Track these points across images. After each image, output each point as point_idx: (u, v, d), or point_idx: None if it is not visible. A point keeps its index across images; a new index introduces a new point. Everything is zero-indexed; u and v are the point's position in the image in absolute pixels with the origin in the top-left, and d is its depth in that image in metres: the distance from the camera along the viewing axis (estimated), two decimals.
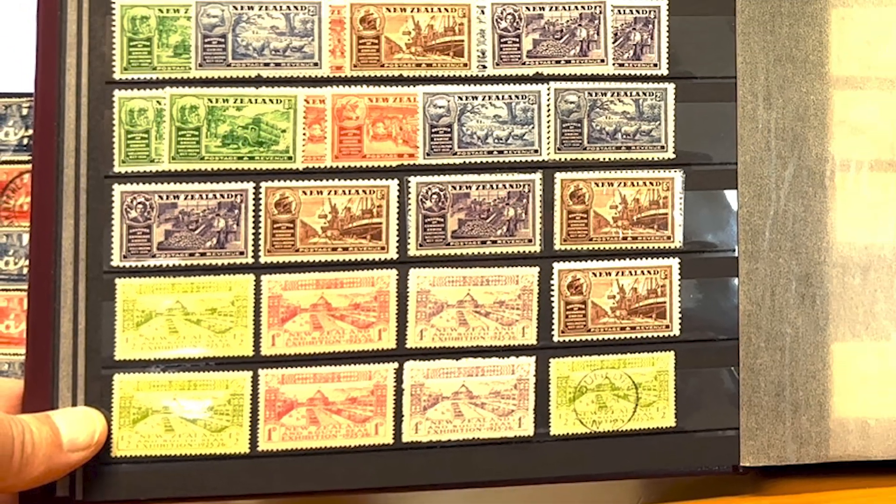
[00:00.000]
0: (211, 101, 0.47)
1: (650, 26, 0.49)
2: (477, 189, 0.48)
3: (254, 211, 0.47)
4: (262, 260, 0.47)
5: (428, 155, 0.48)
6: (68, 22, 0.45)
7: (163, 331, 0.46)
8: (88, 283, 0.45)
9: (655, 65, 0.49)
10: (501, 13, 0.48)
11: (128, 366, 0.45)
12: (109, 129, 0.46)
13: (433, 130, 0.48)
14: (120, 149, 0.46)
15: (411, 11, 0.48)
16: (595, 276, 0.49)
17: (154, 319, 0.46)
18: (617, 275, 0.49)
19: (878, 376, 0.49)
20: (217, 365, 0.46)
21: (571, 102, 0.48)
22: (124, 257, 0.46)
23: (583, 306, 0.48)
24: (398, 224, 0.47)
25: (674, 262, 0.49)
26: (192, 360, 0.46)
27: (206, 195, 0.46)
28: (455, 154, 0.48)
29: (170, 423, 0.46)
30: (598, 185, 0.49)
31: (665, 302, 0.49)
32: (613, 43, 0.49)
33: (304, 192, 0.47)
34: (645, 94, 0.49)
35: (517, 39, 0.48)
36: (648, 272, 0.49)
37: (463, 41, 0.48)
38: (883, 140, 0.50)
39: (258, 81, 0.46)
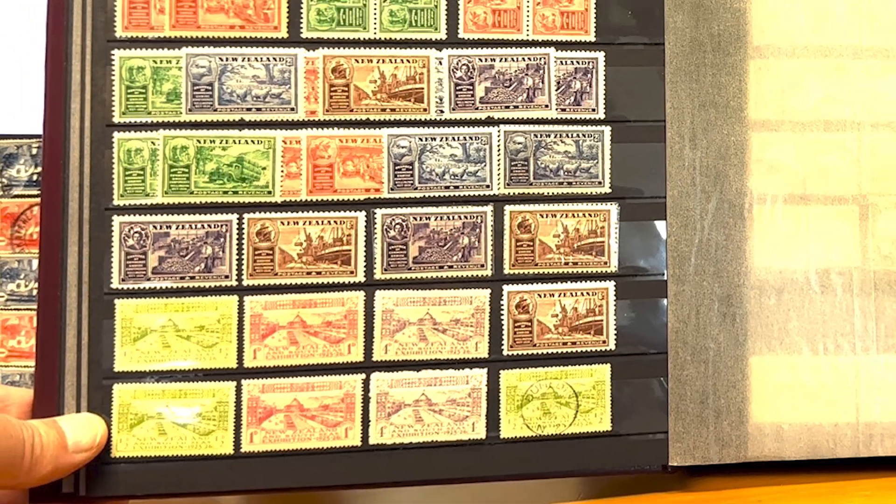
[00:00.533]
0: (199, 142, 0.49)
1: (589, 76, 0.52)
2: (435, 220, 0.51)
3: (237, 239, 0.49)
4: (245, 283, 0.49)
5: (392, 190, 0.50)
6: (73, 72, 0.48)
7: (157, 346, 0.48)
8: (91, 303, 0.48)
9: (593, 110, 0.52)
10: (457, 64, 0.51)
11: (126, 377, 0.48)
12: (109, 166, 0.48)
13: (396, 168, 0.51)
14: (119, 184, 0.48)
15: (377, 62, 0.50)
16: (540, 297, 0.51)
17: (149, 335, 0.48)
18: (559, 296, 0.51)
19: (790, 386, 0.52)
20: (205, 376, 0.49)
21: (519, 143, 0.51)
22: (122, 280, 0.48)
23: (529, 324, 0.51)
24: (365, 251, 0.50)
25: (610, 285, 0.52)
26: (183, 372, 0.48)
27: (195, 225, 0.49)
28: (416, 189, 0.51)
29: (163, 427, 0.48)
30: (542, 217, 0.51)
31: (602, 320, 0.52)
32: (556, 90, 0.52)
33: (282, 223, 0.49)
34: (584, 135, 0.52)
35: (471, 87, 0.51)
36: (587, 293, 0.52)
37: (423, 89, 0.51)
38: (795, 177, 0.53)
39: (241, 124, 0.49)
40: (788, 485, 0.52)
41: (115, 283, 0.48)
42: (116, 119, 0.48)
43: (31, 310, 0.57)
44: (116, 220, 0.48)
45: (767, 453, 0.52)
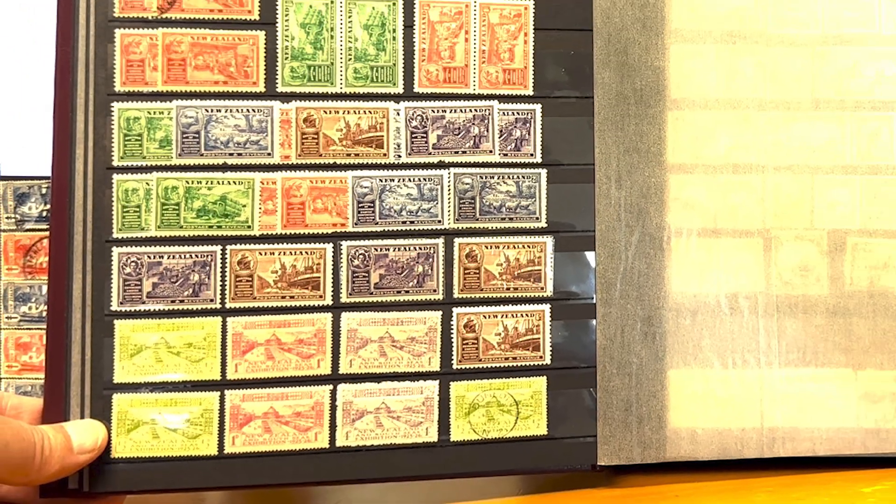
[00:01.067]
0: (188, 183, 0.51)
1: (528, 125, 0.55)
2: (394, 251, 0.53)
3: (221, 268, 0.52)
4: (228, 305, 0.52)
5: (356, 224, 0.53)
6: (77, 121, 0.50)
7: (150, 360, 0.51)
8: (93, 323, 0.50)
9: (532, 154, 0.55)
10: (412, 115, 0.54)
11: (123, 388, 0.50)
12: (109, 204, 0.51)
13: (360, 205, 0.53)
14: (117, 219, 0.51)
15: (343, 113, 0.53)
16: (485, 318, 0.54)
17: (144, 352, 0.51)
18: (502, 317, 0.54)
19: (703, 396, 0.55)
20: (192, 387, 0.51)
21: (467, 184, 0.54)
22: (121, 303, 0.50)
23: (475, 341, 0.54)
24: (333, 278, 0.52)
25: (546, 308, 0.54)
26: (173, 383, 0.51)
27: (184, 255, 0.51)
28: (377, 224, 0.53)
29: (156, 431, 0.50)
30: (487, 248, 0.54)
31: (539, 338, 0.54)
32: (499, 138, 0.55)
33: (260, 253, 0.52)
34: (524, 177, 0.55)
35: (425, 135, 0.54)
36: (526, 315, 0.54)
37: (383, 136, 0.53)
38: (708, 213, 0.56)
39: (224, 168, 0.52)
40: (702, 482, 0.55)
41: (115, 306, 0.50)
42: (115, 163, 0.51)
43: (40, 329, 0.58)
44: (115, 251, 0.51)
45: (683, 454, 0.55)
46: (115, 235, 0.51)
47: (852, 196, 0.57)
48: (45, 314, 0.55)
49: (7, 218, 0.57)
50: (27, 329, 0.58)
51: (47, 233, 0.56)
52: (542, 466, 0.54)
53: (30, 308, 0.58)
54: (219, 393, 0.51)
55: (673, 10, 0.57)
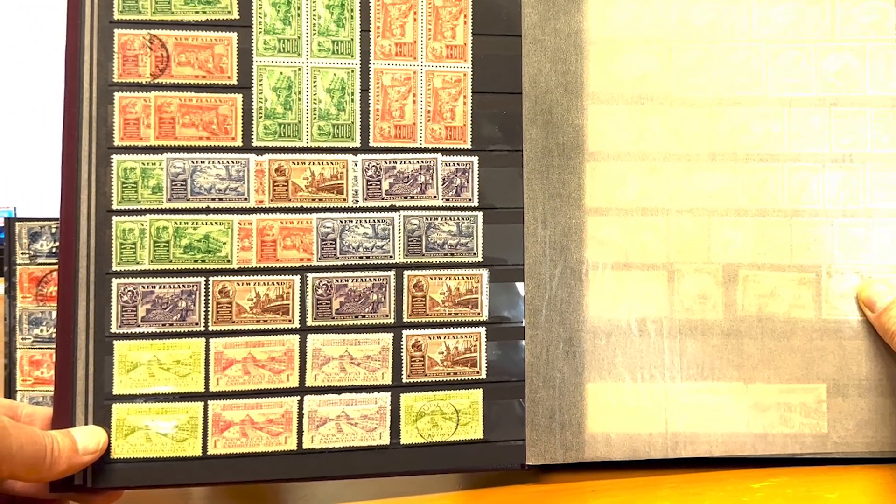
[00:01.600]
0: (176, 224, 0.53)
1: (466, 174, 0.57)
2: (352, 282, 0.55)
3: (204, 296, 0.54)
4: (210, 328, 0.54)
5: (320, 259, 0.55)
6: (82, 171, 0.53)
7: (144, 375, 0.53)
8: (95, 343, 0.52)
9: (470, 199, 0.57)
10: (368, 165, 0.56)
11: (121, 398, 0.52)
12: (109, 242, 0.53)
13: (323, 243, 0.55)
14: (116, 255, 0.53)
15: (308, 164, 0.55)
16: (430, 339, 0.56)
17: (139, 368, 0.52)
18: (444, 338, 0.56)
19: (616, 406, 0.57)
20: (180, 398, 0.53)
21: (414, 224, 0.56)
22: (119, 326, 0.53)
23: (422, 359, 0.56)
24: (300, 305, 0.55)
25: (482, 330, 0.56)
26: (164, 395, 0.53)
27: (173, 286, 0.53)
28: (338, 258, 0.55)
29: (149, 436, 0.52)
30: (432, 279, 0.56)
31: (476, 356, 0.56)
32: (442, 185, 0.56)
33: (238, 284, 0.54)
34: (463, 218, 0.57)
35: (378, 182, 0.56)
36: (465, 336, 0.56)
37: (343, 184, 0.55)
38: (620, 250, 0.58)
39: (207, 211, 0.54)
40: (615, 479, 0.57)
41: (114, 329, 0.53)
42: (115, 206, 0.53)
43: (50, 348, 0.59)
44: (114, 281, 0.53)
45: (599, 455, 0.57)
46: (114, 268, 0.53)
47: (743, 235, 0.59)
48: (54, 336, 0.57)
49: (22, 254, 0.58)
50: (39, 348, 0.60)
51: (56, 266, 0.58)
52: (478, 466, 0.56)
53: (41, 330, 0.59)
54: (203, 403, 0.53)
55: (590, 75, 0.59)
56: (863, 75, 0.61)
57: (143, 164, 0.54)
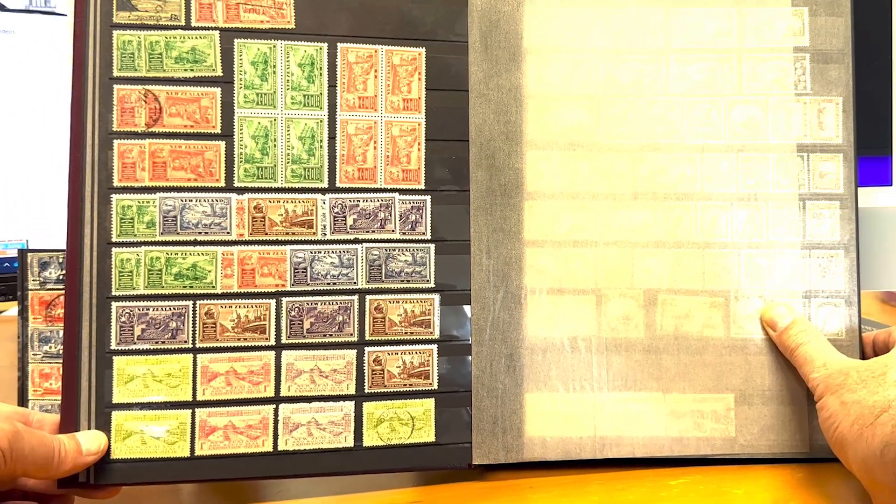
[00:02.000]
0: (167, 255, 0.56)
1: (421, 211, 0.60)
2: (321, 305, 0.58)
3: (192, 317, 0.56)
4: (198, 346, 0.56)
5: (293, 285, 0.58)
6: (86, 209, 0.55)
7: (140, 386, 0.55)
8: (97, 359, 0.55)
9: (424, 233, 0.60)
10: (335, 203, 0.59)
11: (120, 407, 0.55)
12: (109, 270, 0.56)
13: (296, 271, 0.58)
14: (115, 282, 0.56)
15: (283, 202, 0.58)
16: (389, 354, 0.59)
17: (135, 380, 0.55)
18: (401, 354, 0.59)
19: (551, 413, 0.60)
20: (171, 406, 0.55)
21: (375, 255, 0.59)
22: (118, 344, 0.55)
23: (382, 372, 0.58)
24: (276, 324, 0.57)
25: (434, 347, 0.60)
26: (157, 403, 0.55)
27: (165, 308, 0.56)
28: (308, 285, 0.58)
29: (144, 439, 0.55)
30: (391, 303, 0.59)
31: (429, 369, 0.59)
32: (399, 220, 0.59)
33: (222, 307, 0.57)
34: (418, 250, 0.60)
35: (344, 218, 0.59)
36: (419, 352, 0.59)
37: (313, 219, 0.58)
38: (554, 277, 0.61)
39: (195, 243, 0.56)
40: (550, 476, 0.60)
41: (113, 346, 0.55)
42: (114, 239, 0.56)
43: (58, 363, 0.62)
44: (114, 305, 0.56)
45: (537, 456, 0.60)
46: (113, 293, 0.56)
47: (662, 264, 0.62)
48: (61, 352, 0.59)
49: (33, 280, 0.59)
50: (48, 363, 0.62)
51: (63, 291, 0.60)
52: (431, 465, 0.59)
53: (50, 347, 0.62)
54: (191, 410, 0.56)
55: (528, 125, 0.62)
56: (766, 125, 0.64)
57: (139, 202, 0.56)
